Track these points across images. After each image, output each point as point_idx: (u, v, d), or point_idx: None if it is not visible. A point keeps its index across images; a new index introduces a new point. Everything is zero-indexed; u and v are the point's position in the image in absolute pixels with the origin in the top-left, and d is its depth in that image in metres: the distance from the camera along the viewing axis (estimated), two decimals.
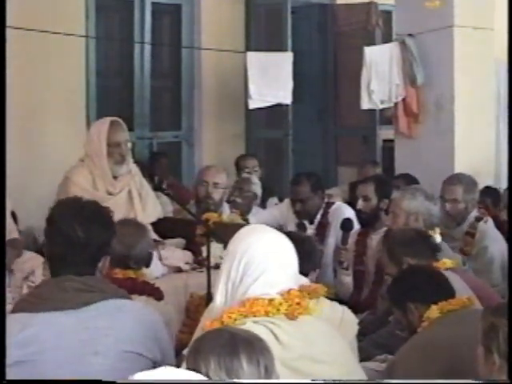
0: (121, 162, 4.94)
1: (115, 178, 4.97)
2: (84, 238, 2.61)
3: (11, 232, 4.71)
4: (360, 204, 5.09)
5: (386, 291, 3.37)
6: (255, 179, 6.18)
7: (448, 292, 3.08)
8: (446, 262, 3.76)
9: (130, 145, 5.04)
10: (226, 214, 5.55)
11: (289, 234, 2.81)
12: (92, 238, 2.63)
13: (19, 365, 2.52)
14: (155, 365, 2.57)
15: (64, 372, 2.52)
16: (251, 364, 2.09)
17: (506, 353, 2.23)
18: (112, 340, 2.57)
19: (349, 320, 3.10)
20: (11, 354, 2.50)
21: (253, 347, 2.12)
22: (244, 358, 2.09)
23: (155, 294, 3.59)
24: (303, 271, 3.05)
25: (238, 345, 2.12)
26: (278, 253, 2.59)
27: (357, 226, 5.16)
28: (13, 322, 2.59)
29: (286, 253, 2.62)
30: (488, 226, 5.11)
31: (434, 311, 2.97)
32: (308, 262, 3.48)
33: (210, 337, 2.20)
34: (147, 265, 3.74)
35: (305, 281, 3.13)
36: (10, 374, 2.51)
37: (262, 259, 2.55)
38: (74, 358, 2.53)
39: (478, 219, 5.12)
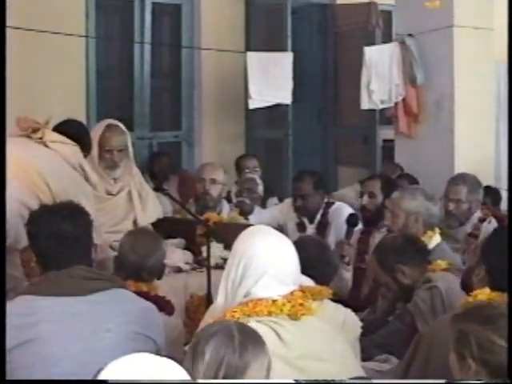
0: (112, 167, 4.89)
1: (115, 178, 4.96)
2: (72, 232, 2.74)
3: None
4: (365, 200, 5.08)
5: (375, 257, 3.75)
6: (258, 179, 6.20)
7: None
8: (441, 264, 3.76)
9: (130, 148, 5.00)
10: (226, 211, 5.56)
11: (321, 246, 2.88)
12: (80, 231, 2.77)
13: (30, 342, 2.57)
14: (159, 350, 2.69)
15: (77, 347, 2.60)
16: (215, 358, 2.06)
17: (480, 357, 2.22)
18: (123, 320, 2.67)
19: (351, 322, 3.12)
20: (22, 333, 2.57)
21: (231, 344, 2.09)
22: (209, 349, 2.08)
23: (166, 308, 3.51)
24: (319, 282, 3.11)
25: (216, 334, 2.11)
26: (278, 257, 2.58)
27: (360, 225, 5.16)
28: (21, 303, 2.67)
29: (286, 258, 2.61)
30: (492, 227, 5.09)
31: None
32: (327, 274, 3.54)
33: (214, 323, 2.25)
34: (159, 277, 3.67)
35: (309, 282, 3.13)
36: (19, 353, 2.57)
37: (260, 262, 2.55)
38: (86, 334, 2.62)
39: (482, 220, 5.11)
